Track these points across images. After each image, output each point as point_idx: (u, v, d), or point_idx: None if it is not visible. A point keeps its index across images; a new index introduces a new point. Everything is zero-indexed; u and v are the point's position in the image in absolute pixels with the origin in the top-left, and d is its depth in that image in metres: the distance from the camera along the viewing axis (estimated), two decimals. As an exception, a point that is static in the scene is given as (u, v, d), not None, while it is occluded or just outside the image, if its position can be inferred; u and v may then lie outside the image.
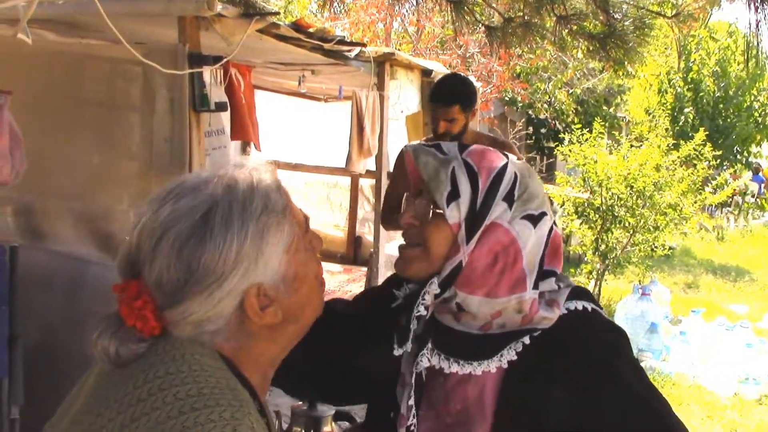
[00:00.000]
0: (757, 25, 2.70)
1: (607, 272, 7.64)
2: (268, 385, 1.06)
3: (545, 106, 14.16)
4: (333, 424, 1.92)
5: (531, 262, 1.19)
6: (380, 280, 5.12)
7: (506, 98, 13.53)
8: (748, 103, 17.53)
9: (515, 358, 1.18)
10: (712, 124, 16.74)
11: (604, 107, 16.24)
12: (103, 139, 3.28)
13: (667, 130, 12.56)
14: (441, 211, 1.18)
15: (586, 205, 7.48)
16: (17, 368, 2.75)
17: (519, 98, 13.56)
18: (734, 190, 12.28)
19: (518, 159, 1.27)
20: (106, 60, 3.27)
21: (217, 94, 3.32)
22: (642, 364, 2.28)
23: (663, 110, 16.61)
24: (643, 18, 4.18)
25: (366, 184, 7.10)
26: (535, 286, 1.20)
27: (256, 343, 0.98)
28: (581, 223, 7.58)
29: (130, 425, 0.86)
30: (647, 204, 7.28)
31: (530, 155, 14.86)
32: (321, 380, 1.42)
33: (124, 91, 3.26)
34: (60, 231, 3.42)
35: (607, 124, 10.73)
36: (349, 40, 4.34)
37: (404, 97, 5.22)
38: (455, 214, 1.17)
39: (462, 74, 3.73)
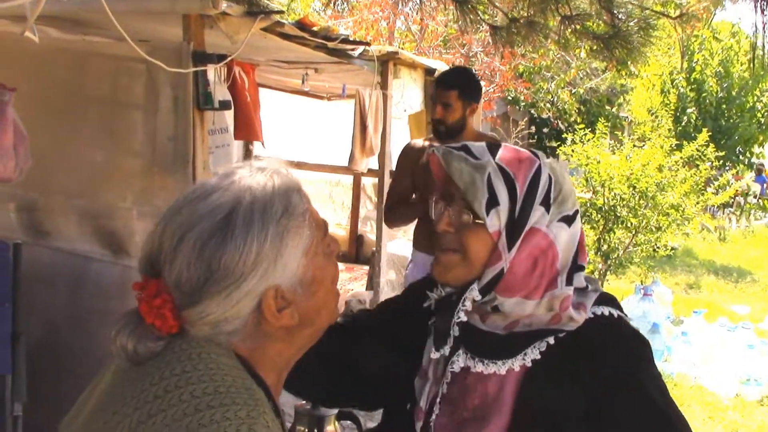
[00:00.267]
0: (763, 28, 2.70)
1: (609, 272, 7.64)
2: (282, 386, 1.06)
3: (548, 105, 14.16)
4: (336, 423, 1.92)
5: (565, 259, 1.22)
6: (382, 279, 5.13)
7: (509, 97, 13.53)
8: (751, 104, 17.50)
9: (539, 357, 1.19)
10: (715, 125, 16.72)
11: (607, 107, 16.24)
12: (106, 137, 3.28)
13: (669, 130, 12.55)
14: (481, 221, 1.18)
15: (588, 205, 7.47)
16: (20, 365, 2.76)
17: (522, 98, 13.55)
18: (736, 190, 12.27)
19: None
20: (110, 57, 3.27)
21: (220, 92, 3.33)
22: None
23: (666, 110, 16.61)
24: (647, 18, 4.18)
25: (368, 183, 7.09)
26: (569, 282, 1.21)
27: (272, 345, 0.99)
28: (583, 223, 7.57)
29: (147, 422, 0.87)
30: (649, 204, 7.28)
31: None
32: (337, 384, 1.44)
33: (127, 88, 3.26)
34: (63, 228, 3.43)
35: (609, 124, 10.70)
36: (352, 39, 4.34)
37: (407, 95, 5.22)
38: (495, 222, 1.17)
39: (470, 69, 3.74)
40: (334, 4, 4.31)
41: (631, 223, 7.37)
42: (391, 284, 5.33)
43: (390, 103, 4.99)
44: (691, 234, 9.85)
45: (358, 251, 6.87)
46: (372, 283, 5.30)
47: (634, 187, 7.25)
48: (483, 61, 11.18)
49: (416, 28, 11.50)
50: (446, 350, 1.23)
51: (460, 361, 1.23)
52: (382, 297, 5.12)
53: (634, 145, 8.29)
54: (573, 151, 7.77)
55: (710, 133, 10.04)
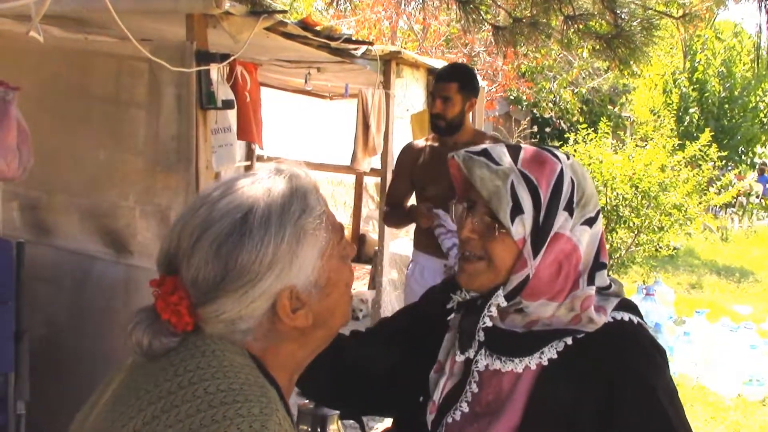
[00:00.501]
0: (767, 27, 2.70)
1: (611, 272, 7.64)
2: (293, 387, 1.08)
3: (550, 105, 14.15)
4: (339, 422, 1.92)
5: (586, 260, 1.22)
6: (384, 278, 5.13)
7: (511, 97, 13.53)
8: (754, 104, 17.50)
9: (556, 357, 1.19)
10: (717, 125, 16.71)
11: (609, 107, 16.21)
12: (109, 136, 3.28)
13: (672, 130, 12.54)
14: (506, 230, 1.18)
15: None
16: (23, 363, 2.76)
17: (524, 97, 13.54)
18: (739, 190, 12.27)
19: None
20: (113, 57, 3.27)
21: (223, 91, 3.32)
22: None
23: (668, 110, 16.60)
24: (650, 18, 4.18)
25: (370, 182, 7.10)
26: (590, 282, 1.21)
27: (285, 345, 1.00)
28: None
29: (160, 416, 0.88)
30: (652, 204, 7.28)
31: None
32: (346, 389, 1.45)
33: (130, 87, 3.26)
34: (66, 227, 3.43)
35: (612, 124, 10.70)
36: (355, 39, 4.34)
37: (410, 95, 5.22)
38: (520, 230, 1.18)
39: (469, 66, 3.74)
40: (337, 3, 4.31)
41: (634, 223, 7.38)
42: (393, 283, 5.33)
43: (392, 103, 4.99)
44: (693, 234, 9.85)
45: (361, 251, 6.88)
46: (374, 283, 5.30)
47: (637, 187, 7.26)
48: (485, 60, 11.18)
49: (419, 28, 11.51)
50: (471, 353, 1.24)
51: (483, 360, 1.24)
52: (385, 296, 5.13)
53: (637, 145, 8.30)
54: (575, 150, 7.78)
55: (713, 133, 10.04)
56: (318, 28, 3.67)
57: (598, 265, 1.24)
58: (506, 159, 1.20)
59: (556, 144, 9.55)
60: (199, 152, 2.88)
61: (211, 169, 2.99)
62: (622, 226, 7.41)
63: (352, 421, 1.97)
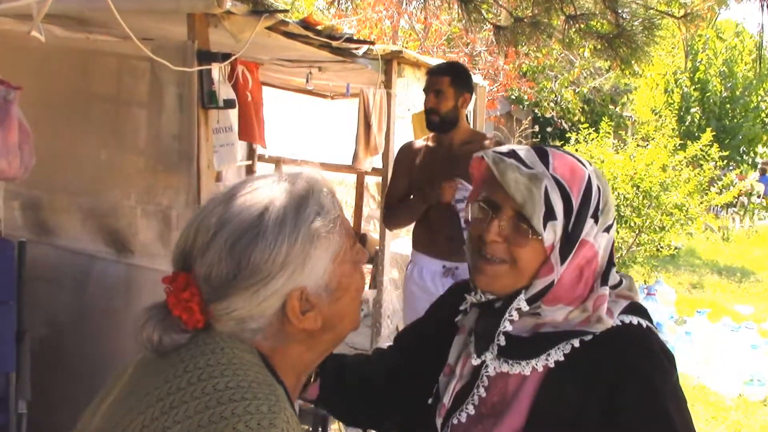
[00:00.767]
0: (771, 27, 2.69)
1: (612, 272, 7.62)
2: (300, 389, 1.09)
3: (551, 104, 14.15)
4: (340, 422, 1.92)
5: (602, 264, 1.22)
6: (385, 278, 5.13)
7: (512, 97, 13.52)
8: (755, 104, 17.50)
9: (562, 359, 1.19)
10: (719, 125, 16.71)
11: (611, 106, 16.21)
12: (111, 135, 3.28)
13: (673, 130, 12.56)
14: (540, 237, 1.16)
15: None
16: (24, 363, 2.76)
17: (525, 97, 13.54)
18: (740, 190, 12.26)
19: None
20: (115, 56, 3.27)
21: (225, 91, 3.32)
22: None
23: (669, 110, 16.60)
24: (651, 18, 4.17)
25: (371, 182, 7.10)
26: (604, 282, 1.21)
27: (293, 347, 1.01)
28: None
29: (169, 412, 0.89)
30: (653, 204, 7.28)
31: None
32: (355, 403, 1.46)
33: (132, 87, 3.26)
34: (67, 226, 3.43)
35: (613, 124, 10.70)
36: (356, 38, 4.34)
37: (411, 95, 5.22)
38: (551, 236, 1.17)
39: (461, 63, 3.72)
40: (338, 2, 4.31)
41: (635, 223, 7.38)
42: (394, 283, 5.33)
43: (394, 102, 4.99)
44: (694, 234, 9.85)
45: (361, 250, 6.87)
46: (375, 282, 5.30)
47: (638, 187, 7.26)
48: (487, 60, 11.18)
49: (420, 27, 11.50)
50: (487, 356, 1.23)
51: (491, 363, 1.23)
52: (386, 296, 5.13)
53: (638, 145, 8.30)
54: (576, 150, 7.77)
55: (714, 133, 10.04)
56: (319, 27, 3.66)
57: (609, 264, 1.24)
58: (538, 163, 1.19)
59: (558, 143, 9.55)
60: (200, 152, 2.88)
61: (213, 169, 2.98)
62: (624, 225, 7.40)
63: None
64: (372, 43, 4.54)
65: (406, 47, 7.50)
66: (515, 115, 14.32)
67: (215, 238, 0.95)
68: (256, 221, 0.94)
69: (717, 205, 10.27)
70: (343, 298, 1.03)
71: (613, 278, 1.24)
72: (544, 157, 1.20)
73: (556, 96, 14.07)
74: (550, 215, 1.16)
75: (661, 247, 7.85)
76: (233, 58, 3.05)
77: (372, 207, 7.22)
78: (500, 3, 4.42)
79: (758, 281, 9.56)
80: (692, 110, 17.11)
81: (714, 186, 9.26)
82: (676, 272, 9.73)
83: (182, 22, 2.88)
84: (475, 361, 1.25)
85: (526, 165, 1.18)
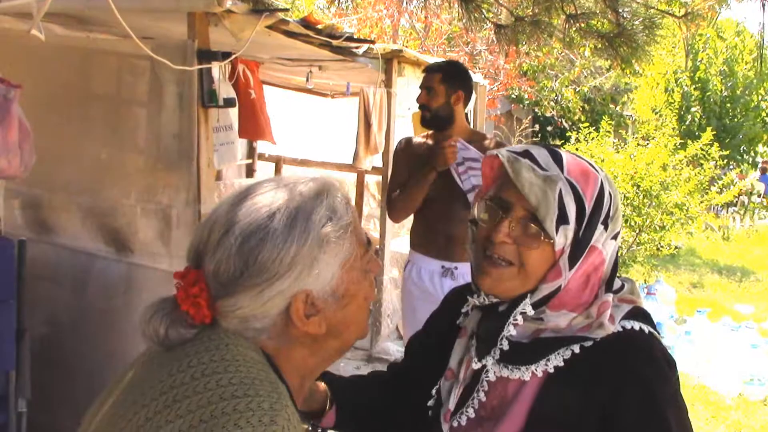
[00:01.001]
0: (772, 26, 2.69)
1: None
2: (304, 392, 1.09)
3: (552, 104, 14.14)
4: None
5: (607, 271, 1.21)
6: (386, 277, 5.13)
7: (513, 96, 13.52)
8: (756, 103, 17.49)
9: (562, 364, 1.17)
10: (719, 124, 16.70)
11: (611, 105, 16.21)
12: (111, 134, 3.28)
13: (673, 129, 12.53)
14: (551, 240, 1.15)
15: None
16: (24, 361, 2.76)
17: (526, 96, 13.54)
18: (740, 189, 12.25)
19: None
20: (115, 55, 3.27)
21: (225, 90, 3.33)
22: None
23: (670, 109, 16.60)
24: (652, 17, 4.17)
25: (371, 181, 7.10)
26: (608, 288, 1.21)
27: (297, 350, 1.01)
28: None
29: (172, 406, 0.89)
30: (653, 203, 7.28)
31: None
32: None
33: (132, 86, 3.26)
34: (67, 225, 3.43)
35: (613, 123, 10.70)
36: (356, 37, 4.34)
37: (411, 94, 5.21)
38: (562, 240, 1.15)
39: (460, 63, 3.71)
40: (339, 1, 4.30)
41: (635, 222, 7.37)
42: (394, 282, 5.33)
43: (394, 101, 5.00)
44: (694, 233, 9.84)
45: (361, 249, 6.86)
46: (375, 281, 5.30)
47: (638, 186, 7.25)
48: (487, 59, 11.18)
49: (420, 26, 11.50)
50: (488, 360, 1.22)
51: (491, 368, 1.23)
52: (385, 295, 5.13)
53: (638, 144, 8.30)
54: (577, 149, 7.77)
55: (714, 132, 10.03)
56: (319, 26, 3.66)
57: (613, 271, 1.23)
58: (552, 165, 1.17)
59: (558, 143, 9.55)
60: (200, 150, 2.88)
61: (213, 168, 2.98)
62: (624, 225, 7.41)
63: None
64: (372, 42, 4.54)
65: (406, 46, 7.49)
66: (515, 114, 14.31)
67: (226, 235, 0.96)
68: (267, 221, 0.96)
69: (717, 205, 10.26)
70: (350, 306, 1.03)
71: (615, 282, 1.24)
72: (558, 158, 1.19)
73: (556, 95, 14.07)
74: (563, 219, 1.14)
75: (662, 247, 7.85)
76: (233, 56, 3.05)
77: (372, 206, 7.22)
78: (501, 2, 4.42)
79: (758, 281, 9.55)
80: (693, 109, 17.10)
81: (714, 185, 9.26)
82: (676, 272, 9.73)
83: (182, 20, 2.88)
84: (476, 366, 1.24)
85: (540, 166, 1.16)
